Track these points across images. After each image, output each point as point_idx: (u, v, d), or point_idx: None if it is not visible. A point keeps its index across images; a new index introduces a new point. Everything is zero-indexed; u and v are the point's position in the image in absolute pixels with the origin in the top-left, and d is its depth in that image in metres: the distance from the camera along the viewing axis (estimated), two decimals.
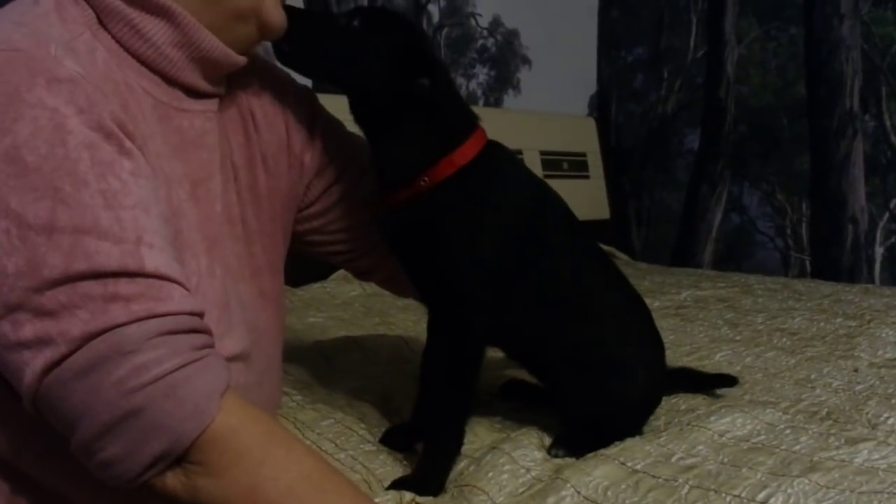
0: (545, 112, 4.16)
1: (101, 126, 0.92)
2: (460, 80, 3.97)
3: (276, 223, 1.36)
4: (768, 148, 3.90)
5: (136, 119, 1.02)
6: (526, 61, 4.21)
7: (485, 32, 4.05)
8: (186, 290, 0.95)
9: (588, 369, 1.43)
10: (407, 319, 2.30)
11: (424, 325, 1.48)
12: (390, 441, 1.48)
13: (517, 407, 1.64)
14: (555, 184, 3.89)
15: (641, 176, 4.37)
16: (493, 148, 1.41)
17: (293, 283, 2.77)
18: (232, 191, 1.24)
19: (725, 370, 1.92)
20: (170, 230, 1.00)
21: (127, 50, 1.07)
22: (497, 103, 4.12)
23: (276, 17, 1.19)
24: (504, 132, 3.75)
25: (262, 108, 1.34)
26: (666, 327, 2.32)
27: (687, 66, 4.19)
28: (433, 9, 3.82)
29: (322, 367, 1.92)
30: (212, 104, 1.19)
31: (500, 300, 1.39)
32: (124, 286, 0.88)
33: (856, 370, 1.90)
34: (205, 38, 1.11)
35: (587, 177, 4.17)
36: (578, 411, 1.45)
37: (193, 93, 1.15)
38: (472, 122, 1.40)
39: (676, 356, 2.03)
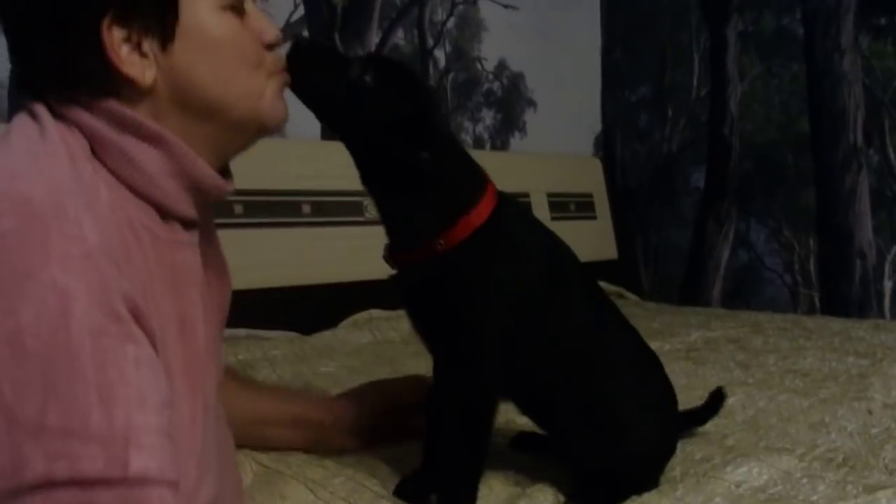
0: (551, 153, 4.18)
1: (111, 309, 0.88)
2: (467, 124, 3.99)
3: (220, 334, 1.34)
4: (774, 184, 3.91)
5: (139, 270, 0.99)
6: (531, 103, 4.24)
7: (490, 76, 4.09)
8: (172, 485, 0.91)
9: (599, 424, 1.43)
10: (418, 367, 2.29)
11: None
12: (405, 493, 1.46)
13: (531, 458, 1.62)
14: (562, 225, 3.92)
15: (648, 214, 4.38)
16: (505, 203, 1.41)
17: (304, 331, 2.78)
18: (209, 320, 1.20)
19: (739, 414, 1.93)
20: (166, 414, 0.95)
21: (121, 180, 1.04)
22: (504, 146, 4.14)
23: (279, 113, 1.18)
24: (511, 175, 3.79)
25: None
26: (678, 371, 2.32)
27: (691, 104, 4.22)
28: (439, 54, 3.86)
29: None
30: (196, 234, 1.17)
31: (512, 353, 1.39)
32: (101, 494, 0.84)
33: (870, 412, 1.89)
34: (198, 167, 1.09)
35: (594, 217, 4.18)
36: (591, 467, 1.45)
37: (184, 223, 1.13)
38: (483, 180, 1.40)
39: (690, 400, 2.02)
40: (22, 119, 1.02)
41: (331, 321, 2.93)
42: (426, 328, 1.45)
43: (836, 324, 3.05)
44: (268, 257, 2.84)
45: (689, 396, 2.04)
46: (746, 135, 4.00)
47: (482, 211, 1.35)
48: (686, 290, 4.20)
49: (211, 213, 1.23)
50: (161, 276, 1.05)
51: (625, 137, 4.49)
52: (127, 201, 1.03)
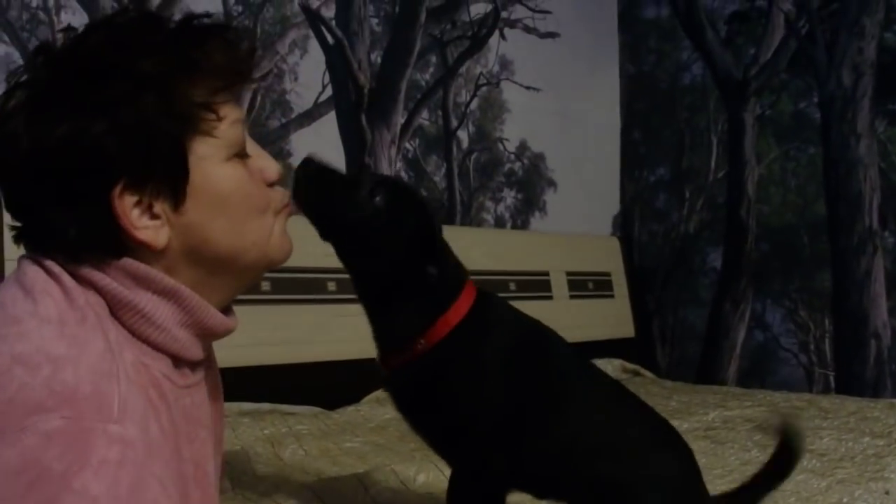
0: (570, 233, 4.24)
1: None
2: (489, 204, 4.06)
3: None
4: (790, 265, 3.94)
5: (164, 430, 1.01)
6: (552, 184, 4.31)
7: (512, 156, 4.16)
8: None
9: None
10: None
11: None
12: None
13: None
14: (580, 303, 3.97)
15: (665, 294, 4.42)
16: (484, 299, 1.45)
17: (328, 406, 2.82)
18: (217, 452, 1.24)
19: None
20: None
21: (136, 336, 1.05)
22: (524, 225, 4.20)
23: (287, 248, 1.21)
24: (531, 254, 3.86)
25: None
26: (697, 450, 2.29)
27: (708, 186, 4.27)
28: (462, 134, 3.94)
29: (360, 496, 1.95)
30: (202, 371, 1.20)
31: (514, 442, 1.41)
32: None
33: (887, 492, 1.92)
34: (209, 315, 1.11)
35: (612, 296, 4.22)
36: None
37: (192, 365, 1.15)
38: (461, 278, 1.45)
39: (709, 479, 2.04)
40: (38, 276, 1.02)
41: (354, 397, 2.98)
42: (422, 427, 1.48)
43: (852, 403, 3.07)
44: (294, 333, 2.89)
45: (708, 476, 2.05)
46: (763, 217, 4.05)
47: (460, 308, 1.39)
48: (702, 369, 4.21)
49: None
50: (181, 424, 1.08)
51: (643, 218, 4.55)
52: (145, 355, 1.05)
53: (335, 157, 3.45)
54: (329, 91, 3.44)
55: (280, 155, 3.28)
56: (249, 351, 2.76)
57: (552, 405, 1.44)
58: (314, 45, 3.41)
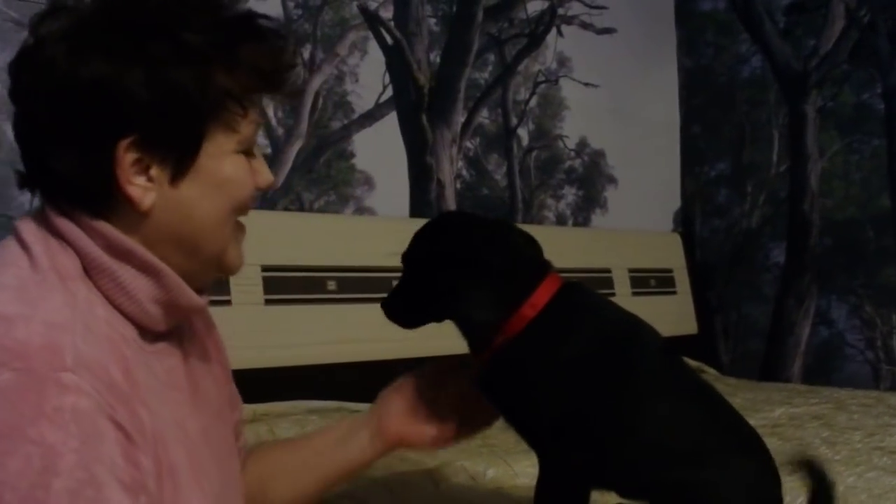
0: (631, 230, 4.23)
1: (96, 465, 0.90)
2: (549, 202, 4.06)
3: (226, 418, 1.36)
4: (855, 260, 3.91)
5: (138, 381, 1.02)
6: (612, 180, 4.30)
7: (572, 153, 4.16)
8: None
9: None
10: (507, 440, 2.33)
11: (524, 446, 1.50)
12: None
13: None
14: (642, 300, 3.95)
15: (727, 290, 4.39)
16: (569, 291, 1.45)
17: None
18: (202, 412, 1.23)
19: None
20: None
21: (108, 300, 1.06)
22: (585, 223, 4.20)
23: (239, 261, 1.21)
24: (593, 251, 3.85)
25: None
26: None
27: (770, 181, 4.24)
28: (522, 132, 3.94)
29: (431, 490, 1.96)
30: (174, 340, 1.20)
31: (595, 439, 1.40)
32: None
33: None
34: (184, 294, 1.12)
35: (674, 292, 4.20)
36: None
37: (160, 336, 1.16)
38: (540, 272, 1.44)
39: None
40: (11, 249, 1.04)
41: None
42: (512, 420, 1.48)
43: None
44: (359, 332, 2.90)
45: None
46: (826, 211, 4.02)
47: (537, 301, 1.39)
48: (766, 366, 4.18)
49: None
50: (153, 385, 1.08)
51: (704, 213, 4.52)
52: (116, 318, 1.06)
53: (397, 156, 3.48)
54: (389, 91, 3.46)
55: (343, 156, 3.31)
56: (315, 350, 2.79)
57: (634, 403, 1.43)
58: (374, 46, 3.42)
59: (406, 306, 1.48)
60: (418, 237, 1.50)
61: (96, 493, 0.89)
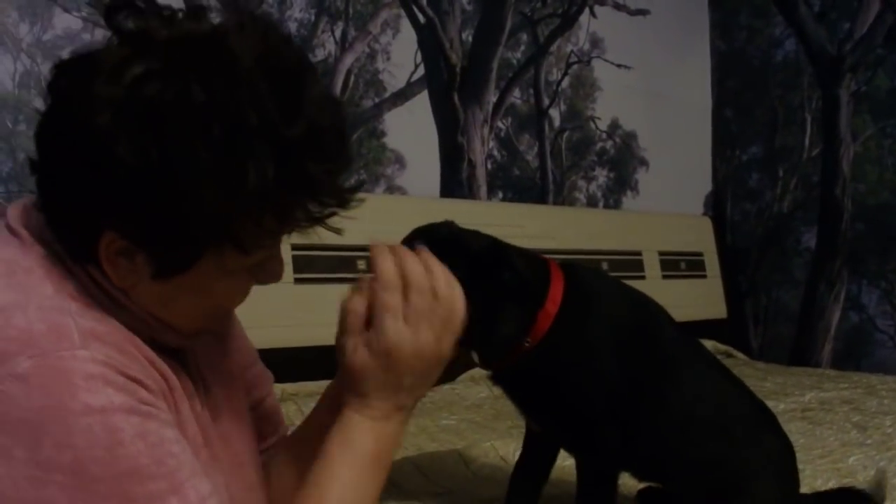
0: (662, 213, 4.23)
1: (140, 406, 0.92)
2: (581, 183, 4.06)
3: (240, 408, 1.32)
4: (886, 245, 3.88)
5: (146, 350, 1.01)
6: (643, 163, 4.30)
7: (604, 135, 4.15)
8: None
9: (714, 492, 1.45)
10: None
11: None
12: None
13: None
14: (673, 283, 3.94)
15: (758, 275, 4.37)
16: (574, 276, 1.44)
17: None
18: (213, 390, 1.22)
19: (861, 474, 1.94)
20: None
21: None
22: (616, 205, 4.19)
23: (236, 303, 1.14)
24: (623, 234, 3.85)
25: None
26: (795, 431, 2.33)
27: (802, 165, 4.22)
28: (554, 113, 3.93)
29: (462, 471, 1.97)
30: None
31: (628, 418, 1.42)
32: None
33: None
34: (163, 336, 1.07)
35: (704, 276, 4.20)
36: None
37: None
38: (544, 268, 1.44)
39: (808, 459, 2.04)
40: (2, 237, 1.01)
41: (448, 376, 3.00)
42: (538, 416, 1.50)
43: None
44: None
45: (807, 456, 2.07)
46: (859, 196, 3.99)
47: (554, 296, 1.39)
48: (796, 351, 4.17)
49: None
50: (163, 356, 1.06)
51: (735, 197, 4.51)
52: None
53: (429, 136, 3.48)
54: (421, 70, 3.46)
55: (374, 134, 3.31)
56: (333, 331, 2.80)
57: (666, 378, 1.46)
58: (406, 24, 3.42)
59: None
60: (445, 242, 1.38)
61: (157, 430, 0.93)
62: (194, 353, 1.18)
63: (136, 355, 0.98)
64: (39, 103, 0.98)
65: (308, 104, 0.96)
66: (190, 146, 0.90)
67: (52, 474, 0.87)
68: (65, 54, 0.98)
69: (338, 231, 1.10)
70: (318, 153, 0.97)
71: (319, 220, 1.03)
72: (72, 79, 0.94)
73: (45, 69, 2.51)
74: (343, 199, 1.03)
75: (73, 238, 0.99)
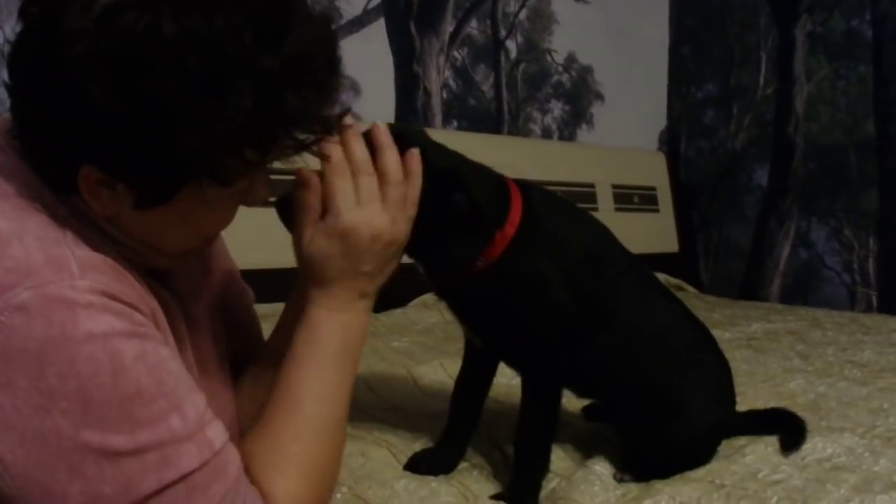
0: (617, 147, 4.24)
1: (138, 329, 0.94)
2: (536, 115, 4.06)
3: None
4: (837, 185, 3.93)
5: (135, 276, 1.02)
6: (599, 97, 4.30)
7: (560, 68, 4.15)
8: (229, 440, 1.02)
9: (656, 411, 1.48)
10: None
11: None
12: (418, 467, 1.52)
13: (599, 427, 1.71)
14: (625, 217, 3.98)
15: (710, 210, 4.42)
16: (533, 198, 1.43)
17: (375, 310, 2.85)
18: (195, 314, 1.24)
19: (800, 397, 1.99)
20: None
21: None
22: (571, 137, 4.20)
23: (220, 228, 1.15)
24: (577, 166, 3.87)
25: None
26: (739, 358, 2.38)
27: (756, 103, 4.24)
28: (511, 44, 3.92)
29: (410, 388, 2.00)
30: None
31: (576, 340, 1.44)
32: (201, 477, 0.95)
33: None
34: (148, 261, 1.08)
35: (657, 210, 4.25)
36: (645, 449, 1.51)
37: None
38: (504, 188, 1.42)
39: (751, 383, 2.09)
40: None
41: (400, 301, 3.02)
42: (485, 335, 1.50)
43: (894, 322, 3.10)
44: None
45: (750, 380, 2.12)
46: (811, 135, 4.02)
47: (513, 219, 1.38)
48: (745, 285, 4.23)
49: None
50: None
51: (690, 134, 4.53)
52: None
53: (385, 64, 3.47)
54: None
55: None
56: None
57: (612, 301, 1.48)
58: None
59: None
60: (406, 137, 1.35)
61: (154, 350, 0.95)
62: (176, 273, 1.19)
63: (130, 280, 0.99)
64: None
65: (290, 33, 0.94)
66: (162, 80, 0.88)
67: (56, 402, 0.88)
68: None
69: (326, 158, 1.12)
70: (300, 83, 0.95)
71: (305, 147, 1.02)
72: (44, 6, 0.91)
73: None
74: (328, 126, 1.04)
75: (50, 170, 0.98)
